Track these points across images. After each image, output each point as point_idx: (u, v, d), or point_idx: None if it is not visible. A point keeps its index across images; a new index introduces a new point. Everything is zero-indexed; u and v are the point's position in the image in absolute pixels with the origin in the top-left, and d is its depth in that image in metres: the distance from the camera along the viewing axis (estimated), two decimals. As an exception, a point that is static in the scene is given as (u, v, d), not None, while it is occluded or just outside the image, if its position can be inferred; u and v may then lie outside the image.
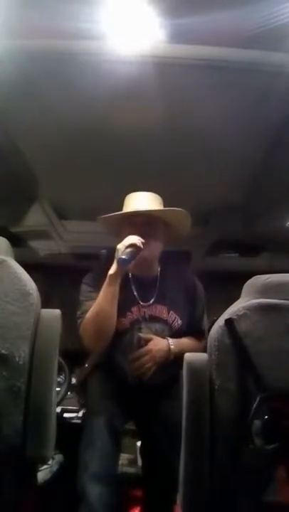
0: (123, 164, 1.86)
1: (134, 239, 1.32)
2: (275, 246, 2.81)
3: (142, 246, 1.31)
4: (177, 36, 1.18)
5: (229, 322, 0.92)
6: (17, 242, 2.68)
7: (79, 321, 1.43)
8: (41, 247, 2.88)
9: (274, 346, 0.91)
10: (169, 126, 1.60)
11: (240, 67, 1.29)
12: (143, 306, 1.47)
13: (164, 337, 1.46)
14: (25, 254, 2.79)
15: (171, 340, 1.46)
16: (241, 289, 1.06)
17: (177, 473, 1.51)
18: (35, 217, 2.45)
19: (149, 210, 1.42)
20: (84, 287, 1.47)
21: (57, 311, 1.09)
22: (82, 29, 1.13)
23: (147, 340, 1.43)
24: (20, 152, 1.79)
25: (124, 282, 1.42)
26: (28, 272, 1.06)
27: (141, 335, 1.45)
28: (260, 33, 1.12)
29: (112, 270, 1.32)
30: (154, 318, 1.47)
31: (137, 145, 1.71)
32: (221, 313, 0.98)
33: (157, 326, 1.46)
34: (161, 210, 1.45)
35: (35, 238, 2.79)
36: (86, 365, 1.77)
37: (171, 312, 1.48)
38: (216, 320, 0.98)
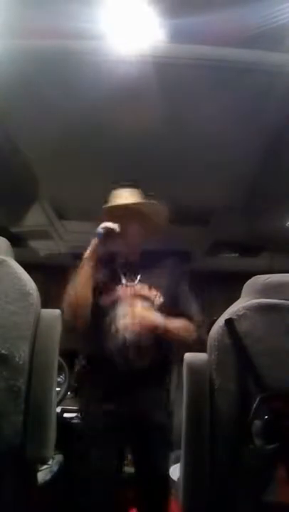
0: (123, 164, 1.86)
1: (108, 223, 1.46)
2: (275, 246, 2.81)
3: (116, 228, 1.44)
4: (177, 36, 1.18)
5: (229, 322, 0.92)
6: (17, 242, 2.69)
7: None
8: (41, 247, 2.89)
9: (274, 346, 0.91)
10: (168, 126, 1.60)
11: (240, 67, 1.29)
12: (127, 286, 1.56)
13: None
14: (25, 254, 2.79)
15: (159, 315, 1.49)
16: (241, 289, 1.06)
17: (167, 473, 1.53)
18: (35, 217, 2.45)
19: (125, 203, 1.54)
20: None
21: (57, 311, 1.09)
22: (82, 29, 1.13)
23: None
24: (21, 152, 1.79)
25: (110, 264, 1.56)
26: (28, 272, 1.06)
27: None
28: (260, 33, 1.12)
29: (86, 254, 1.46)
30: (137, 296, 1.54)
31: (137, 145, 1.71)
32: (221, 313, 0.98)
33: (140, 303, 1.52)
34: (136, 203, 1.56)
35: (35, 238, 2.79)
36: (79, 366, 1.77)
37: (152, 289, 1.56)
38: (216, 320, 0.98)
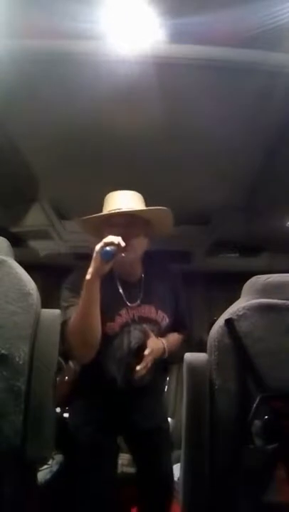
0: (123, 164, 1.86)
1: (113, 238, 1.23)
2: (275, 246, 2.81)
3: (122, 244, 1.23)
4: (177, 36, 1.17)
5: (229, 322, 0.92)
6: (17, 242, 2.69)
7: (63, 328, 1.29)
8: (41, 247, 2.89)
9: (274, 346, 0.91)
10: (168, 127, 1.60)
11: (240, 67, 1.28)
12: (131, 308, 1.43)
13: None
14: (25, 254, 2.79)
15: (164, 340, 1.46)
16: (241, 289, 1.06)
17: (170, 475, 1.54)
18: (35, 217, 2.45)
19: (130, 211, 1.37)
20: (65, 292, 1.41)
21: (57, 311, 1.09)
22: (82, 29, 1.13)
23: (143, 344, 1.41)
24: (20, 152, 1.79)
25: (110, 284, 1.37)
26: (28, 272, 1.06)
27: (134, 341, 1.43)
28: (260, 33, 1.12)
29: (88, 275, 1.23)
30: (143, 319, 1.44)
31: (137, 145, 1.71)
32: (221, 313, 0.98)
33: (147, 327, 1.44)
34: (142, 210, 1.41)
35: (35, 238, 2.79)
36: (66, 378, 1.73)
37: (159, 311, 1.46)
38: (216, 320, 0.98)
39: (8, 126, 1.61)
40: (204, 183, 2.07)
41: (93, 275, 1.22)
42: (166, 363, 1.56)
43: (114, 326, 1.40)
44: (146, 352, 1.38)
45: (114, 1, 1.07)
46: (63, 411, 2.29)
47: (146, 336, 1.42)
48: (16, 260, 1.09)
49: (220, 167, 1.89)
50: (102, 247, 1.21)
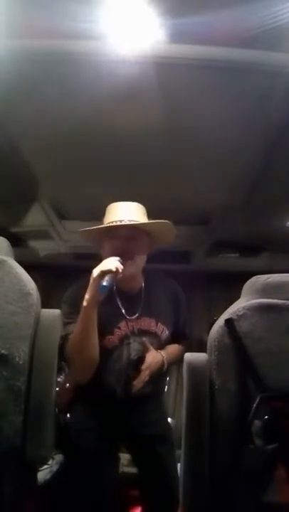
0: (123, 164, 1.86)
1: (111, 263, 1.22)
2: (275, 246, 2.81)
3: (120, 269, 1.22)
4: (177, 36, 1.17)
5: (229, 322, 0.92)
6: (17, 242, 2.69)
7: (60, 341, 1.28)
8: (41, 247, 2.88)
9: (274, 346, 0.91)
10: (169, 127, 1.60)
11: (240, 67, 1.28)
12: (130, 320, 1.42)
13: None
14: (25, 254, 2.79)
15: (163, 353, 1.45)
16: (241, 289, 1.06)
17: (176, 479, 1.53)
18: (35, 217, 2.45)
19: (132, 224, 1.34)
20: (65, 308, 1.39)
21: (57, 311, 1.09)
22: (81, 29, 1.13)
23: (143, 357, 1.41)
24: (20, 152, 1.78)
25: (109, 296, 1.33)
26: (28, 272, 1.06)
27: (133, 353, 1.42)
28: (260, 33, 1.12)
29: (85, 302, 1.22)
30: (142, 332, 1.43)
31: (137, 145, 1.71)
32: (221, 313, 0.98)
33: (146, 339, 1.43)
34: (145, 223, 1.39)
35: (35, 238, 2.79)
36: (67, 385, 1.74)
37: (159, 324, 1.45)
38: (216, 320, 0.98)
39: (8, 126, 1.60)
40: (204, 183, 2.07)
41: (89, 303, 1.22)
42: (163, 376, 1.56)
43: (114, 339, 1.40)
44: (143, 367, 1.38)
45: (114, 1, 1.07)
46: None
47: (145, 349, 1.41)
48: (16, 260, 1.09)
49: (220, 167, 1.89)
50: (100, 276, 1.20)
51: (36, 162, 1.90)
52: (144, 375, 1.38)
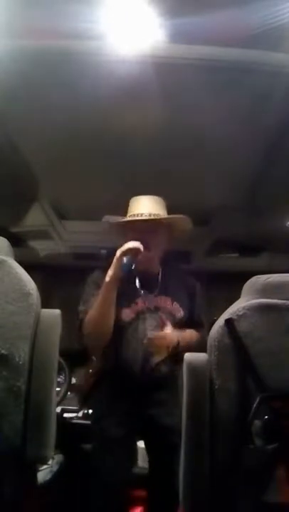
0: (123, 164, 1.86)
1: (133, 244, 1.36)
2: (275, 246, 2.81)
3: (141, 248, 1.36)
4: (177, 36, 1.18)
5: (229, 322, 0.92)
6: (17, 242, 2.69)
7: (80, 316, 1.47)
8: (41, 247, 2.89)
9: (274, 346, 0.91)
10: (169, 126, 1.60)
11: (240, 67, 1.29)
12: (147, 298, 1.52)
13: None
14: (25, 254, 2.79)
15: (178, 333, 1.50)
16: (241, 289, 1.06)
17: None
18: (35, 217, 2.45)
19: (154, 218, 1.48)
20: (90, 285, 1.52)
21: (57, 311, 1.09)
22: (82, 29, 1.13)
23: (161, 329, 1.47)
24: (20, 152, 1.79)
25: (128, 276, 1.45)
26: (28, 272, 1.06)
27: (151, 334, 1.48)
28: (260, 33, 1.12)
29: (108, 277, 1.36)
30: (159, 309, 1.51)
31: (137, 145, 1.71)
32: (221, 313, 0.98)
33: (162, 316, 1.51)
34: (166, 217, 1.51)
35: (35, 238, 2.79)
36: (90, 371, 1.79)
37: (174, 303, 1.54)
38: (216, 320, 0.98)
39: (8, 126, 1.61)
40: (204, 183, 2.07)
41: (112, 278, 1.36)
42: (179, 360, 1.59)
43: (130, 312, 1.49)
44: (161, 333, 1.44)
45: (114, 1, 1.08)
46: (63, 411, 2.29)
47: (162, 324, 1.48)
48: (16, 260, 1.09)
49: (220, 167, 1.89)
50: (122, 255, 1.35)
51: (36, 162, 1.90)
52: (160, 340, 1.44)
